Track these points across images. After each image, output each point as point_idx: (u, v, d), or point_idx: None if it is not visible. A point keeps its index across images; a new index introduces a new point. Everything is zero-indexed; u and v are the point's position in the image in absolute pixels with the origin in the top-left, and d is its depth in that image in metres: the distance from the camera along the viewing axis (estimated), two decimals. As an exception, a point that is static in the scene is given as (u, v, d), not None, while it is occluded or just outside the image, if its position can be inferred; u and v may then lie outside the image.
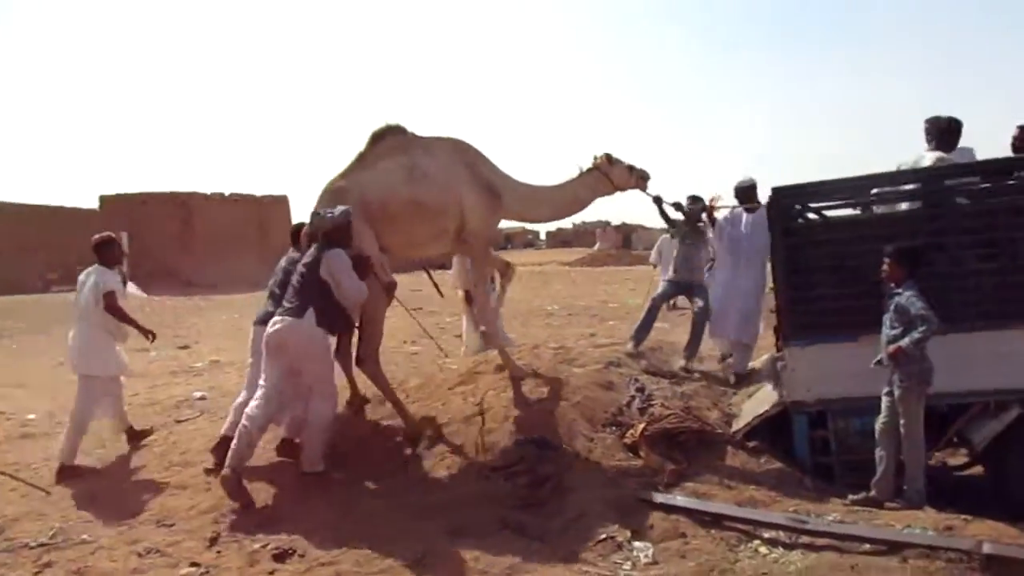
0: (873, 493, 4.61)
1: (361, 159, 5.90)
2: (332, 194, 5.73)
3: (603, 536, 4.15)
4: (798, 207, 5.33)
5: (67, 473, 5.77)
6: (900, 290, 4.56)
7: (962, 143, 5.57)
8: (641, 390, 6.09)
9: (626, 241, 51.21)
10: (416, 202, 5.79)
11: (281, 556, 4.18)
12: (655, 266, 17.64)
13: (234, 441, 4.95)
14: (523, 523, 4.30)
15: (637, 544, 4.10)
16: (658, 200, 6.77)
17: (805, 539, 4.05)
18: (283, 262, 5.95)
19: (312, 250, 5.23)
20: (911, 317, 4.43)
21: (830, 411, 5.29)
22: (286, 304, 5.16)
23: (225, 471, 4.81)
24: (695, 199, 7.10)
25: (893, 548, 3.79)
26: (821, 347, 5.27)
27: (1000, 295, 4.92)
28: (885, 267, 4.63)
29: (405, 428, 5.67)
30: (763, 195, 6.54)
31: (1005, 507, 4.52)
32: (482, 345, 8.34)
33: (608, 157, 6.28)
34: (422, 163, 5.85)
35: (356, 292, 5.12)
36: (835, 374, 5.23)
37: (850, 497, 4.68)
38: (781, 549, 4.01)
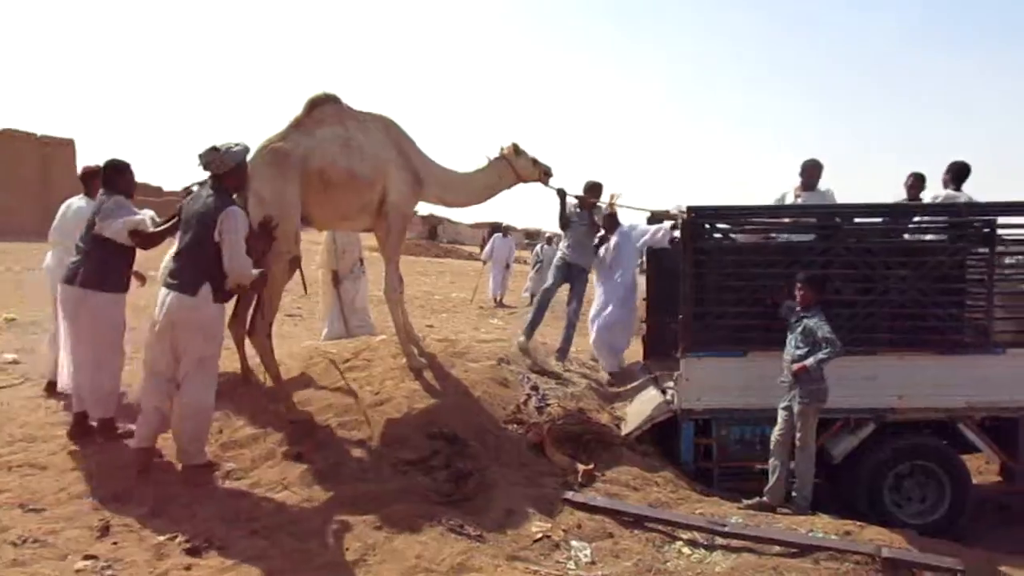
0: (766, 499, 5.02)
1: (298, 124, 5.62)
2: (271, 154, 5.38)
3: (539, 535, 4.18)
4: (709, 227, 5.66)
5: None
6: (808, 314, 5.00)
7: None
8: (535, 389, 6.18)
9: (432, 232, 51.33)
10: (351, 173, 5.68)
11: (195, 550, 3.77)
12: (484, 263, 18.01)
13: (142, 427, 4.65)
14: (458, 521, 4.20)
15: (575, 543, 4.17)
16: (562, 193, 6.95)
17: (721, 541, 4.34)
18: (75, 209, 5.68)
19: (204, 199, 4.53)
20: (817, 339, 4.89)
21: (715, 420, 5.69)
22: (171, 273, 4.58)
23: (139, 444, 4.59)
24: (594, 184, 7.33)
25: (804, 551, 4.16)
26: (713, 360, 5.65)
27: (870, 324, 5.54)
28: (798, 291, 5.05)
29: (287, 413, 5.36)
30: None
31: (851, 513, 5.13)
32: (344, 330, 8.07)
33: (515, 147, 6.41)
34: (357, 137, 5.73)
35: (240, 269, 4.46)
36: (723, 386, 5.64)
37: (744, 501, 5.06)
38: (702, 550, 4.27)
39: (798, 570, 3.99)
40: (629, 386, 6.96)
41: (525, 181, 6.51)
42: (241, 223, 4.46)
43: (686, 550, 4.27)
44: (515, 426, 5.58)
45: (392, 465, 4.78)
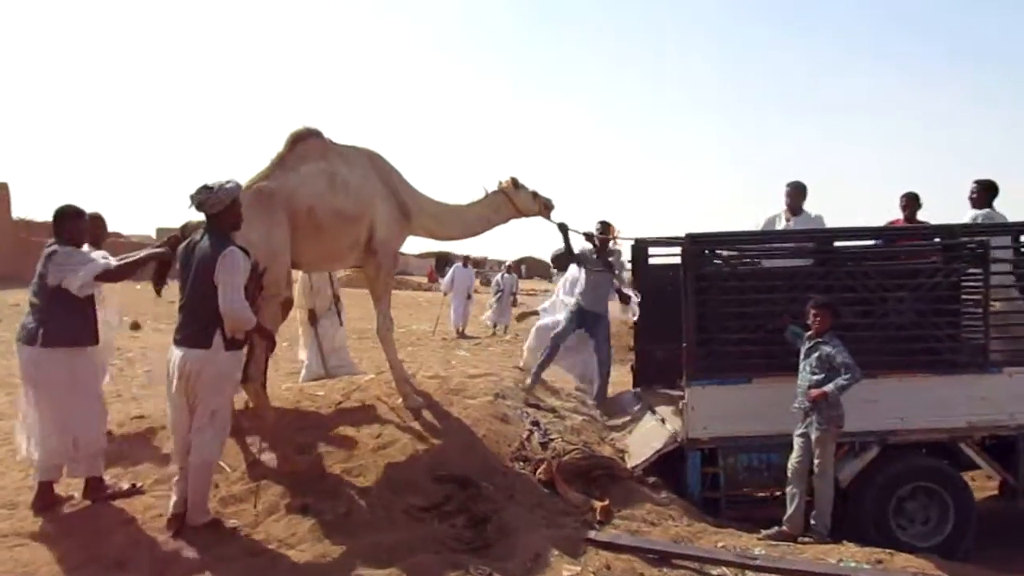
0: (786, 528, 4.95)
1: (281, 161, 5.47)
2: (256, 195, 5.18)
3: (569, 578, 4.02)
4: (708, 254, 5.64)
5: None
6: (824, 339, 4.99)
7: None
8: (536, 424, 6.05)
9: (376, 264, 50.85)
10: (339, 211, 5.54)
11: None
12: (445, 294, 17.82)
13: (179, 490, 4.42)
14: (486, 569, 4.01)
15: None
16: (563, 228, 6.86)
17: (751, 574, 4.25)
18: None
19: (202, 246, 4.27)
20: (835, 365, 4.87)
21: (721, 448, 5.62)
22: (179, 328, 4.31)
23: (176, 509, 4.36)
24: (605, 225, 7.17)
25: (833, 583, 4.10)
26: (718, 388, 5.60)
27: (870, 348, 5.56)
28: (813, 317, 5.03)
29: (287, 463, 5.12)
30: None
31: (859, 537, 5.10)
32: (323, 370, 7.83)
33: (514, 181, 6.33)
34: (341, 171, 5.59)
35: (236, 312, 4.16)
36: (729, 414, 5.59)
37: (763, 532, 4.99)
38: (740, 586, 4.17)
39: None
40: (624, 417, 6.87)
41: (525, 215, 6.43)
42: (239, 264, 4.21)
43: (721, 587, 4.17)
44: (522, 464, 5.44)
45: (404, 512, 4.58)
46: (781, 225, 6.67)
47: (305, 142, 5.54)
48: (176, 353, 4.25)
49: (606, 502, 4.98)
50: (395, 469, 4.99)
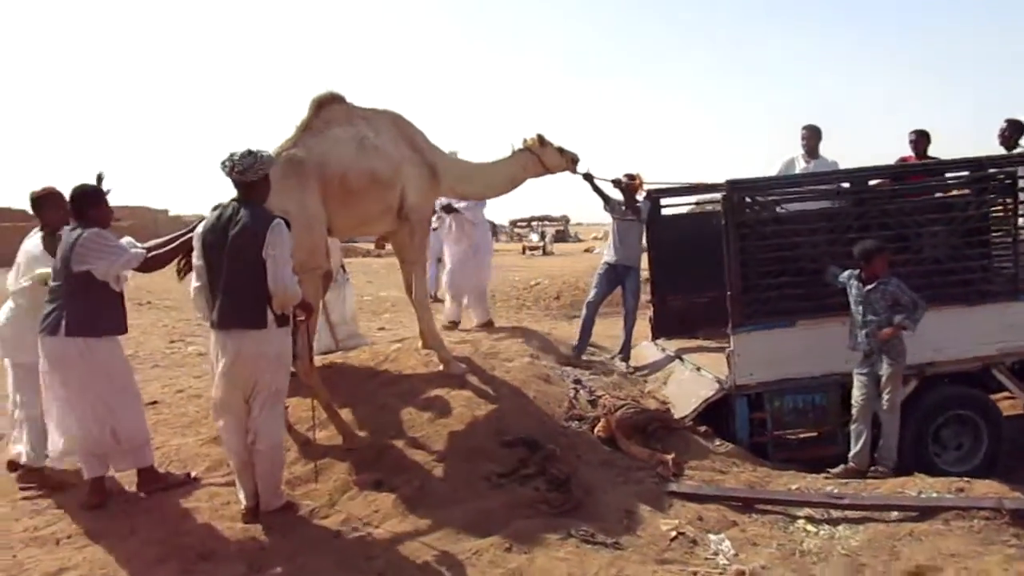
0: (853, 464, 5.03)
1: (307, 127, 5.19)
2: (287, 164, 4.91)
3: (673, 533, 4.01)
4: (749, 200, 5.61)
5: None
6: (884, 280, 5.02)
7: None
8: (578, 382, 6.01)
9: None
10: (372, 175, 5.33)
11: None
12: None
13: (246, 483, 4.23)
14: (587, 529, 3.97)
15: (712, 537, 4.03)
16: (589, 177, 6.80)
17: (836, 513, 4.31)
18: (39, 246, 4.83)
19: (238, 219, 3.92)
20: (903, 303, 4.92)
21: (767, 393, 5.66)
22: (224, 310, 3.96)
23: (249, 502, 4.19)
24: (631, 176, 7.04)
25: (925, 513, 4.18)
26: (762, 333, 5.61)
27: (907, 283, 5.62)
28: (869, 262, 5.06)
29: (345, 439, 4.97)
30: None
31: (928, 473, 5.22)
32: (333, 343, 7.61)
33: (540, 138, 6.23)
34: (369, 135, 5.35)
35: (288, 287, 3.91)
36: (774, 358, 5.62)
37: (830, 471, 5.07)
38: (826, 526, 4.22)
39: (934, 533, 3.99)
40: (651, 369, 6.87)
41: (552, 171, 6.34)
42: (286, 236, 3.95)
43: (811, 527, 4.21)
44: (577, 422, 5.39)
45: (484, 479, 4.49)
46: (799, 167, 6.69)
47: (330, 107, 5.29)
48: (224, 337, 3.98)
49: (672, 455, 4.97)
50: (458, 438, 4.88)
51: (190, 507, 4.37)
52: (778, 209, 5.71)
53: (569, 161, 6.38)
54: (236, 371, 3.98)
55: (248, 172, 3.95)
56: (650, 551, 3.84)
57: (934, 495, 4.36)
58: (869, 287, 5.11)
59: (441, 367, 5.77)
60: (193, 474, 4.81)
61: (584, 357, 6.86)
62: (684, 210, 8.20)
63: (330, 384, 5.80)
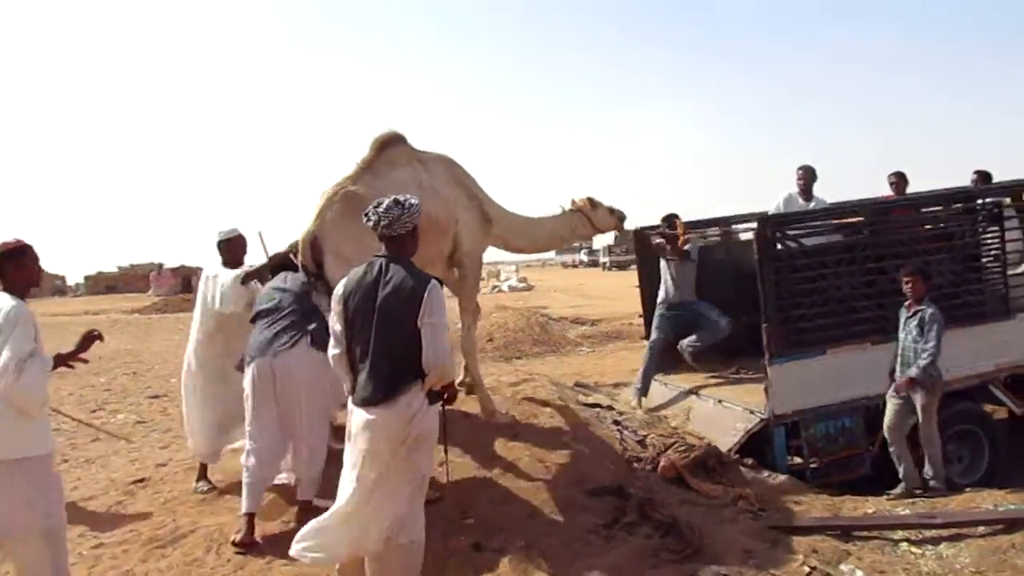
0: (905, 486, 5.22)
1: (368, 166, 4.93)
2: (347, 201, 4.64)
3: (807, 569, 3.98)
4: (780, 235, 5.79)
5: None
6: (924, 306, 5.28)
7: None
8: (618, 423, 5.94)
9: (185, 285, 47.15)
10: (431, 220, 5.00)
11: None
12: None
13: None
14: (724, 572, 3.87)
15: (844, 568, 4.04)
16: (641, 235, 6.95)
17: (930, 533, 4.45)
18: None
19: (388, 276, 3.50)
20: (929, 336, 5.18)
21: (803, 420, 5.82)
22: (371, 378, 3.46)
23: None
24: (671, 217, 7.08)
25: (1015, 524, 4.39)
26: (797, 363, 5.78)
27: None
28: (907, 284, 5.31)
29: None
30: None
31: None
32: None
33: (591, 201, 6.19)
34: (425, 178, 5.11)
35: (449, 363, 3.52)
36: (809, 386, 5.80)
37: (889, 493, 5.24)
38: (928, 546, 4.34)
39: (1033, 543, 4.20)
40: (662, 404, 6.89)
41: (602, 232, 6.36)
42: (444, 301, 3.55)
43: (916, 549, 4.33)
44: (636, 464, 5.31)
45: (591, 532, 4.30)
46: (799, 205, 6.98)
47: (393, 147, 5.07)
48: (366, 414, 3.48)
49: (748, 490, 4.98)
50: (541, 490, 4.68)
51: None
52: (797, 244, 5.94)
53: (618, 220, 6.39)
54: (376, 453, 3.46)
55: (395, 225, 3.54)
56: (793, 590, 3.80)
57: (1012, 507, 4.60)
58: (908, 315, 5.35)
59: (483, 415, 5.53)
60: None
61: (581, 398, 6.80)
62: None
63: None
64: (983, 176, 7.30)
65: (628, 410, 6.69)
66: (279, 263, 5.00)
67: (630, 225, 6.92)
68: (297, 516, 4.45)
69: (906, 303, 5.46)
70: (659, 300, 7.11)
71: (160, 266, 50.32)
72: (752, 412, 5.88)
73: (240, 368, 4.59)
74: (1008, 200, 6.28)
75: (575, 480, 4.78)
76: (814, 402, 5.80)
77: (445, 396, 3.62)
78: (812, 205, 6.86)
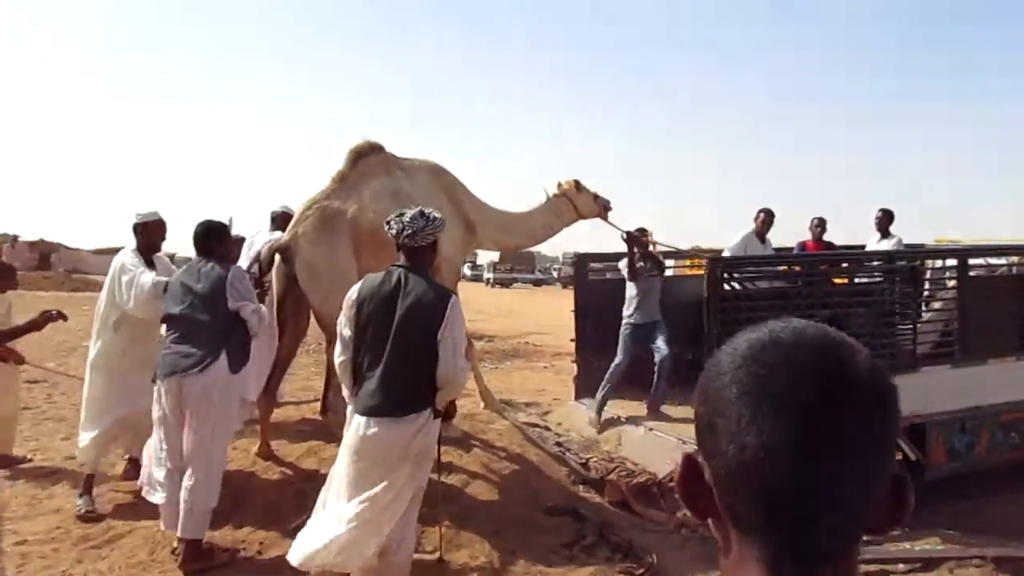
0: None
1: (343, 178, 4.99)
2: (320, 215, 4.71)
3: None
4: (728, 276, 6.09)
5: None
6: None
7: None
8: (560, 445, 6.04)
9: (44, 260, 43.89)
10: None
11: None
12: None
13: None
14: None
15: None
16: (632, 239, 6.69)
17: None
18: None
19: (412, 286, 3.42)
20: None
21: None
22: (381, 387, 3.38)
23: None
24: (641, 231, 6.95)
25: (927, 565, 4.79)
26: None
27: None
28: None
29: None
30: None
31: None
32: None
33: (576, 184, 6.21)
34: (405, 187, 5.11)
35: (462, 379, 3.59)
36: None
37: None
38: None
39: None
40: (592, 430, 7.05)
41: (585, 218, 6.33)
42: (462, 316, 3.50)
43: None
44: (582, 485, 5.42)
45: (551, 552, 4.36)
46: (755, 246, 7.34)
47: (367, 158, 5.10)
48: (375, 429, 3.34)
49: (680, 515, 5.17)
50: (499, 507, 4.71)
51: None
52: (742, 286, 6.28)
53: (601, 208, 6.41)
54: (379, 465, 3.37)
55: (418, 236, 3.48)
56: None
57: (928, 548, 5.02)
58: None
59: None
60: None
61: (522, 416, 6.88)
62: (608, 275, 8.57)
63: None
64: (886, 214, 7.75)
65: (563, 432, 6.83)
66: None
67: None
68: (185, 560, 4.05)
69: None
70: (625, 318, 6.99)
71: (15, 238, 46.36)
72: (685, 443, 6.12)
73: (153, 380, 4.26)
74: (927, 263, 6.85)
75: (528, 498, 4.85)
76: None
77: (444, 411, 3.60)
78: (767, 248, 7.26)
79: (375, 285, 3.49)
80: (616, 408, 7.23)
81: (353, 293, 3.52)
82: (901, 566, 4.82)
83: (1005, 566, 4.81)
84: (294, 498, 4.54)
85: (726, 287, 6.08)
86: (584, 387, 7.77)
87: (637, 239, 6.77)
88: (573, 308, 7.74)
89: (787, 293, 6.46)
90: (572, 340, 7.87)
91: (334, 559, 3.36)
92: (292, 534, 3.67)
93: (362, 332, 3.45)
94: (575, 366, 7.89)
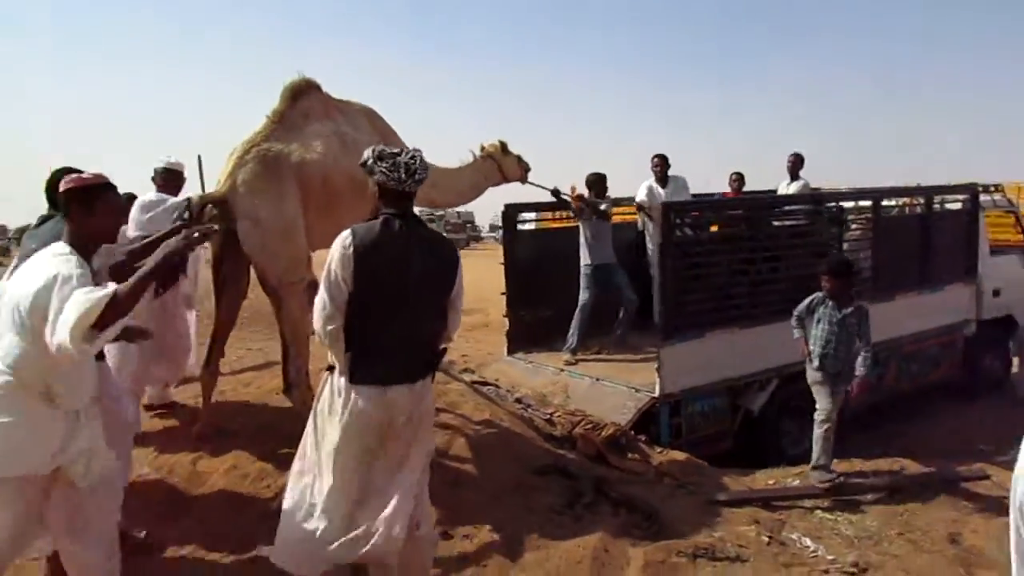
0: (823, 462, 5.36)
1: (281, 119, 4.40)
2: (260, 162, 4.18)
3: (764, 539, 4.18)
4: (679, 222, 6.00)
5: None
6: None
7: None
8: (520, 401, 5.82)
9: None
10: (355, 178, 4.42)
11: None
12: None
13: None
14: (699, 547, 3.94)
15: (794, 536, 4.28)
16: (557, 193, 6.72)
17: (827, 503, 4.90)
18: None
19: (426, 241, 3.12)
20: (859, 333, 5.21)
21: (684, 399, 6.13)
22: (399, 352, 3.03)
23: None
24: (600, 178, 7.05)
25: (893, 492, 5.00)
26: (684, 345, 6.06)
27: (772, 298, 6.52)
28: (828, 282, 5.36)
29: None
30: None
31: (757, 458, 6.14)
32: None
33: (503, 146, 5.88)
34: (348, 130, 4.65)
35: (453, 334, 3.33)
36: (691, 367, 6.11)
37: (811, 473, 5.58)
38: (837, 512, 4.78)
39: (923, 506, 4.80)
40: (536, 384, 6.86)
41: (509, 180, 5.99)
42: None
43: (828, 516, 4.73)
44: (552, 441, 5.24)
45: (556, 512, 4.17)
46: (658, 194, 7.29)
47: (307, 96, 4.53)
48: (387, 395, 2.98)
49: (654, 465, 5.14)
50: (487, 473, 4.44)
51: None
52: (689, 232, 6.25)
53: (523, 171, 6.17)
54: (392, 435, 3.04)
55: (419, 178, 3.07)
56: (764, 560, 3.97)
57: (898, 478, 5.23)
58: (847, 311, 5.27)
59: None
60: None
61: (467, 377, 6.59)
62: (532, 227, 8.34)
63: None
64: (798, 158, 8.16)
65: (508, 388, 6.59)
66: None
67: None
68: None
69: (825, 297, 5.40)
70: (582, 262, 7.02)
71: None
72: (638, 391, 6.06)
73: None
74: (852, 203, 7.09)
75: (513, 459, 4.62)
76: (694, 382, 6.13)
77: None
78: (670, 190, 7.24)
79: (375, 236, 3.00)
80: (548, 360, 7.07)
81: (348, 248, 2.97)
82: (869, 496, 4.98)
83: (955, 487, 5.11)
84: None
85: (678, 233, 6.03)
86: (515, 341, 7.56)
87: (565, 196, 6.87)
88: (503, 261, 7.46)
89: (733, 236, 6.48)
90: (503, 294, 7.60)
91: (365, 550, 2.96)
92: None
93: (364, 292, 2.98)
94: (506, 320, 7.64)
